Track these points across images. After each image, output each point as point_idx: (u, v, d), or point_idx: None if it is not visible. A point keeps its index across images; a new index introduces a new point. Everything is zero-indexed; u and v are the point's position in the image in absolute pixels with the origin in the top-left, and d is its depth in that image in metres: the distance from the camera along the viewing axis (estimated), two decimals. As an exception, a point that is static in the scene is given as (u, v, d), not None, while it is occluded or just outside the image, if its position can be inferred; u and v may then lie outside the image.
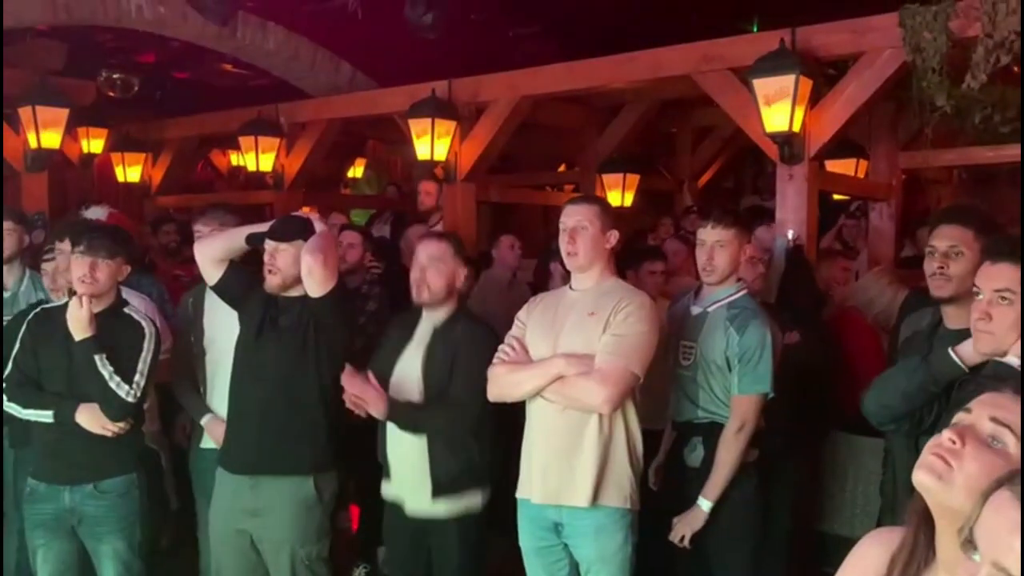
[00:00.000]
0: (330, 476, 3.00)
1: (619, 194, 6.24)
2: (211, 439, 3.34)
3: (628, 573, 2.69)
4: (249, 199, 6.88)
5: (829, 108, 4.20)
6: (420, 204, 5.91)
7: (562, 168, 8.26)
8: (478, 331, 2.95)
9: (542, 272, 4.69)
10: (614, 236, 2.75)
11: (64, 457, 2.93)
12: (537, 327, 2.76)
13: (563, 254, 2.75)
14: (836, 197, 5.61)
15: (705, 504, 2.81)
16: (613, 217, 2.82)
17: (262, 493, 2.93)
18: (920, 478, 1.21)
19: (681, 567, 2.95)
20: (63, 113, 5.75)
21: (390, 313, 3.88)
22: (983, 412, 1.22)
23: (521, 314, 2.84)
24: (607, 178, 6.33)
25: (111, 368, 2.85)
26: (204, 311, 3.44)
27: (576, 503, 2.62)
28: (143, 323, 3.00)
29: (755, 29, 6.00)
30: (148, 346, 2.96)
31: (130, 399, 2.87)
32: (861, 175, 5.32)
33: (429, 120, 5.27)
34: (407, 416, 2.89)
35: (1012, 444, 1.19)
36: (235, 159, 8.51)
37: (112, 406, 2.86)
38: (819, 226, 4.68)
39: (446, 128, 5.32)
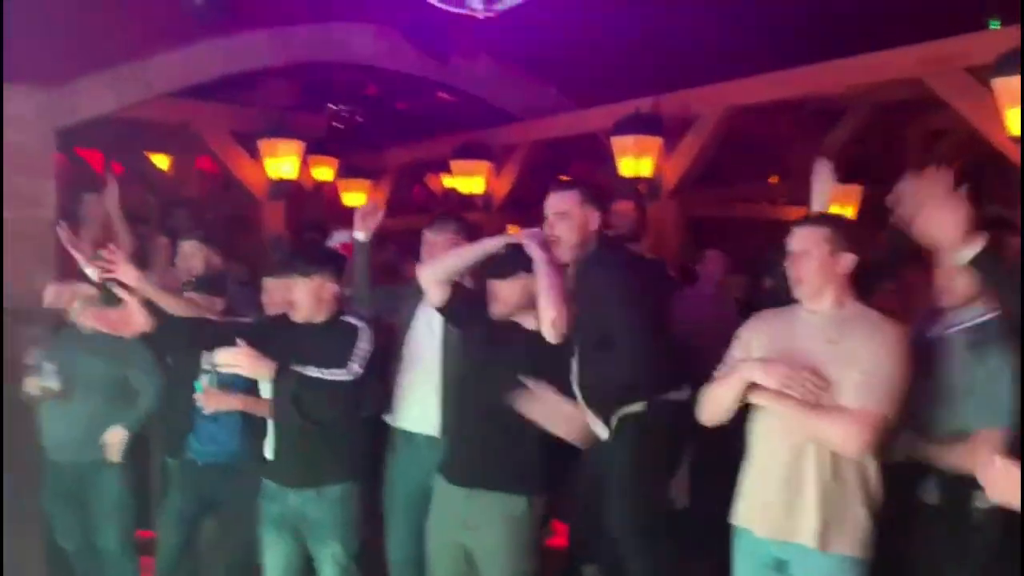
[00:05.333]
0: (543, 494, 3.02)
1: (838, 206, 5.87)
2: None
3: None
4: (460, 221, 7.15)
5: (1090, 105, 3.73)
6: (619, 227, 5.76)
7: (774, 179, 7.91)
8: None
9: (752, 288, 4.47)
10: (849, 260, 2.50)
11: (291, 462, 3.16)
12: (765, 349, 2.57)
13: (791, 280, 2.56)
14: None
15: None
16: (850, 237, 2.55)
17: (477, 505, 2.99)
18: None
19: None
20: (297, 145, 6.29)
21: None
22: None
23: (743, 332, 2.67)
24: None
25: (323, 369, 3.05)
26: (411, 325, 3.56)
27: (802, 541, 2.43)
28: (358, 324, 3.17)
29: (995, 24, 5.45)
30: (363, 337, 3.11)
31: (347, 377, 3.05)
32: None
33: (633, 137, 5.24)
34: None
35: None
36: (447, 182, 8.90)
37: (332, 389, 3.05)
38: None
39: (651, 144, 5.27)
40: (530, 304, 3.01)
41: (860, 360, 2.38)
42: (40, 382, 3.80)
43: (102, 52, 5.14)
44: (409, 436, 3.50)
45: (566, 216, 2.96)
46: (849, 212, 5.92)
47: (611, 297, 2.87)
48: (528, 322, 3.02)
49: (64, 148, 5.41)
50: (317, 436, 3.12)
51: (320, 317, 3.18)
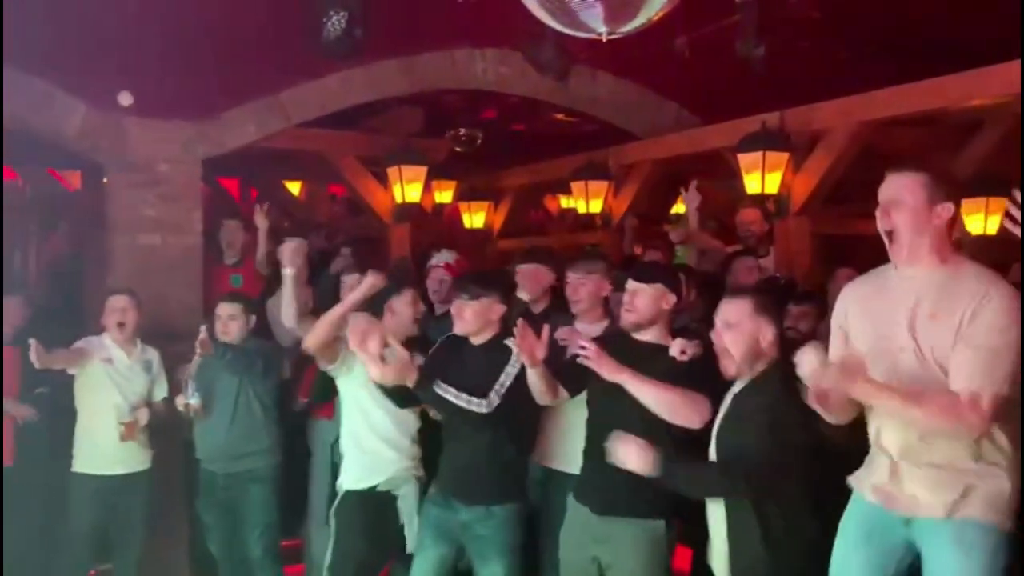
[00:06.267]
0: (676, 518, 3.02)
1: (982, 221, 5.60)
2: None
3: None
4: (577, 240, 7.20)
5: None
6: (744, 236, 5.70)
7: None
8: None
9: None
10: (946, 211, 2.25)
11: (463, 478, 3.24)
12: (866, 319, 2.35)
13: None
14: None
15: None
16: (949, 187, 2.30)
17: (612, 523, 3.00)
18: None
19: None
20: (422, 170, 6.48)
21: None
22: None
23: (840, 303, 2.42)
24: (966, 203, 5.68)
25: (461, 395, 3.09)
26: None
27: (928, 515, 2.26)
28: (514, 348, 3.18)
29: None
30: (514, 362, 3.12)
31: (482, 410, 3.08)
32: None
33: (760, 154, 5.15)
34: None
35: None
36: (565, 202, 8.95)
37: (471, 419, 3.11)
38: None
39: (778, 160, 5.16)
40: (658, 317, 3.03)
41: (969, 335, 2.14)
42: (184, 399, 4.05)
43: (244, 87, 5.46)
44: (567, 477, 3.35)
45: (734, 327, 2.72)
46: (993, 227, 5.62)
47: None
48: (656, 338, 3.04)
49: (206, 177, 5.74)
50: (486, 455, 3.18)
51: (484, 337, 3.25)
